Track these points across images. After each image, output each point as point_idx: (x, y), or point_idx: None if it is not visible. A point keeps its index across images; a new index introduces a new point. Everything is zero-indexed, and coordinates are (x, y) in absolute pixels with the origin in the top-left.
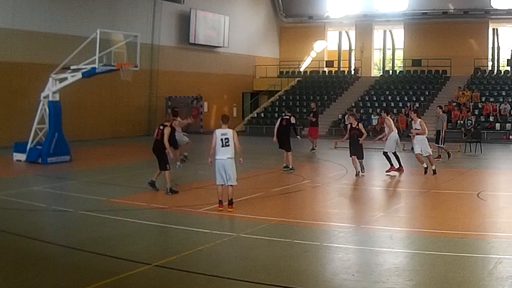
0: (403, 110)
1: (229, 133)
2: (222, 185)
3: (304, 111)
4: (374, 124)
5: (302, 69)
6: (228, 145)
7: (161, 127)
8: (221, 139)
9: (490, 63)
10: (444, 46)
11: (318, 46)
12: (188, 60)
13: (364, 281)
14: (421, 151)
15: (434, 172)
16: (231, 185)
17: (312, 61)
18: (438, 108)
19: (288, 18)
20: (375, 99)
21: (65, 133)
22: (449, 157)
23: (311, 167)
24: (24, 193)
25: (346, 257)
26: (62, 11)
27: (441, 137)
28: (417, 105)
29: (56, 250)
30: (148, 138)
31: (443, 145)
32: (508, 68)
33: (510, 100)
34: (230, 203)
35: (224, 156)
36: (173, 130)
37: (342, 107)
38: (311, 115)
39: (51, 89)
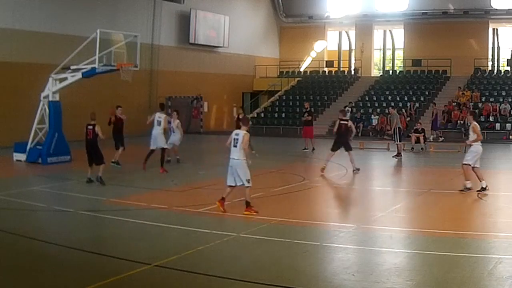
0: (403, 110)
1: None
2: None
3: (304, 111)
4: (374, 124)
5: (302, 69)
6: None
7: (90, 127)
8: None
9: (490, 63)
10: (444, 46)
11: (318, 46)
12: (188, 60)
13: (364, 281)
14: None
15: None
16: None
17: (312, 61)
18: (390, 108)
19: (288, 18)
20: (375, 99)
21: (65, 133)
22: (398, 156)
23: (310, 167)
24: (24, 193)
25: (346, 257)
26: (62, 11)
27: (397, 135)
28: (417, 105)
29: (56, 250)
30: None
31: (400, 142)
32: (508, 68)
33: (510, 100)
34: None
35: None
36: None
37: (342, 107)
38: (306, 114)
39: (51, 89)
